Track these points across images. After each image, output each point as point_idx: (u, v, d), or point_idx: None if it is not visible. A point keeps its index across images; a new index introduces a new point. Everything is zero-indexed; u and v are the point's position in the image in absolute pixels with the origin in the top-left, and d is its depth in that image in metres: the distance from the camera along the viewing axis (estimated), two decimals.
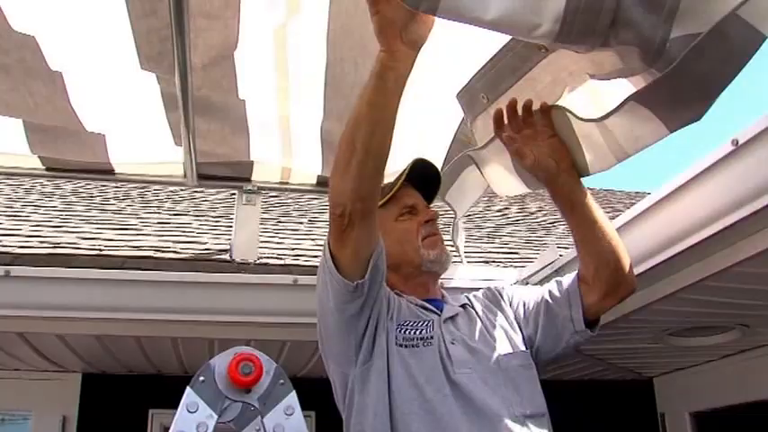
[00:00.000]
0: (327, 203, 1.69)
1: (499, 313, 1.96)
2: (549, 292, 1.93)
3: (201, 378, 1.60)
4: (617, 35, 1.40)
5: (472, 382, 1.74)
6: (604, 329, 2.82)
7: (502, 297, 2.00)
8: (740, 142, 1.77)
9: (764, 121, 1.70)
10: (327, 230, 1.71)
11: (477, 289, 2.07)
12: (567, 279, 1.92)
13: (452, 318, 1.89)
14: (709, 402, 3.71)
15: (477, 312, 1.95)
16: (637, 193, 7.83)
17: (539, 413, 1.77)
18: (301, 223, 4.62)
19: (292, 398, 1.63)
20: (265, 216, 4.62)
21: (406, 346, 1.78)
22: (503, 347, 1.85)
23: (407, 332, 1.81)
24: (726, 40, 1.35)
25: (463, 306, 1.95)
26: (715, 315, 2.76)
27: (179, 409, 1.57)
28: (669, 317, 2.73)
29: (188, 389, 1.59)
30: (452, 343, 1.81)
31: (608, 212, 2.08)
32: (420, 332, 1.82)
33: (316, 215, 4.98)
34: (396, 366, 1.73)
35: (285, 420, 1.59)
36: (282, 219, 4.73)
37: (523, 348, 1.88)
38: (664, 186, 2.06)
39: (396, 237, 1.92)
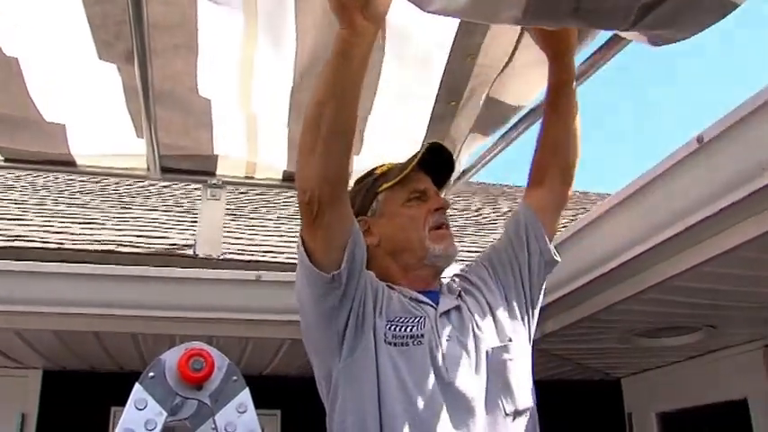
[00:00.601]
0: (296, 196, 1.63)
1: (489, 295, 1.86)
2: (514, 239, 1.89)
3: (151, 374, 1.56)
4: (581, 17, 1.37)
5: (464, 384, 1.68)
6: (571, 329, 2.83)
7: (489, 273, 1.91)
8: (705, 140, 1.76)
9: (729, 119, 1.69)
10: (299, 223, 1.64)
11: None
12: (522, 216, 1.89)
13: (448, 312, 1.80)
14: (675, 403, 3.72)
15: (468, 301, 1.84)
16: (609, 195, 7.82)
17: (528, 407, 1.73)
18: (270, 219, 4.56)
19: (245, 395, 1.58)
20: (235, 211, 4.57)
21: (395, 344, 1.69)
22: (495, 340, 1.77)
23: (397, 329, 1.72)
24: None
25: (459, 296, 1.85)
26: (681, 315, 2.75)
27: (127, 405, 1.52)
28: (635, 317, 2.72)
29: (137, 385, 1.54)
30: (448, 340, 1.73)
31: (581, 213, 2.09)
32: (410, 329, 1.73)
33: (284, 211, 4.93)
34: (385, 365, 1.65)
35: (237, 418, 1.54)
36: (251, 214, 4.68)
37: (521, 329, 1.82)
38: (628, 185, 2.05)
39: (401, 223, 1.82)
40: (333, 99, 1.50)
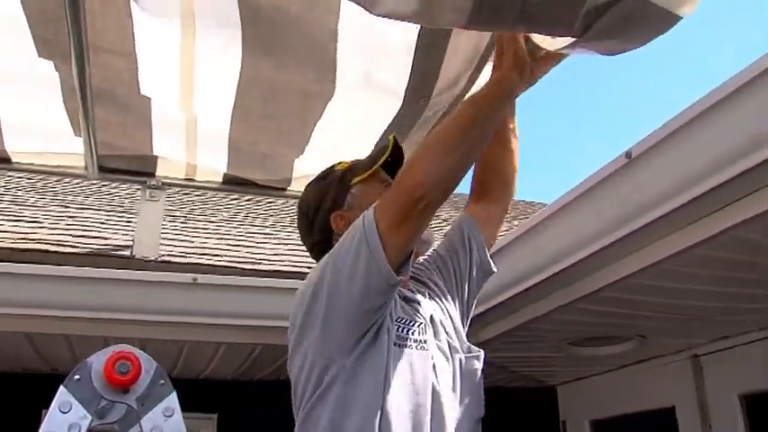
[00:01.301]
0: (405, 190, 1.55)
1: (445, 302, 1.90)
2: (459, 248, 1.92)
3: (77, 377, 1.54)
4: (528, 15, 1.39)
5: (448, 389, 1.71)
6: (507, 338, 2.87)
7: (441, 278, 1.94)
8: (633, 155, 1.81)
9: (657, 135, 1.75)
10: (380, 209, 1.57)
11: None
12: (465, 226, 1.93)
13: (432, 317, 1.82)
14: (607, 411, 3.78)
15: (433, 306, 1.86)
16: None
17: (483, 414, 1.79)
18: (211, 222, 4.53)
19: (172, 399, 1.57)
20: (175, 213, 4.52)
21: (400, 346, 1.69)
22: (459, 347, 1.82)
23: (402, 331, 1.72)
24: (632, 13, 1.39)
25: (429, 297, 1.87)
26: (612, 326, 2.81)
27: (51, 408, 1.50)
28: (568, 326, 2.77)
29: (61, 387, 1.53)
30: (438, 348, 1.76)
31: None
32: (414, 333, 1.75)
33: (225, 214, 4.90)
34: (392, 366, 1.63)
35: (164, 422, 1.53)
36: (191, 216, 4.64)
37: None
38: (561, 197, 2.09)
39: None
40: (486, 125, 1.60)
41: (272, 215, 5.10)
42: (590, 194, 1.98)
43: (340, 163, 1.98)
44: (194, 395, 3.67)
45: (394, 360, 1.66)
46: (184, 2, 2.00)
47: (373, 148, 2.60)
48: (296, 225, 2.01)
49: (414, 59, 2.14)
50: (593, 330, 2.91)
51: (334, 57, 2.16)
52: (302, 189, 3.11)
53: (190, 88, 2.40)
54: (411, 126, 2.48)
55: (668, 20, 1.42)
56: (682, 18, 1.41)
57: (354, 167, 1.93)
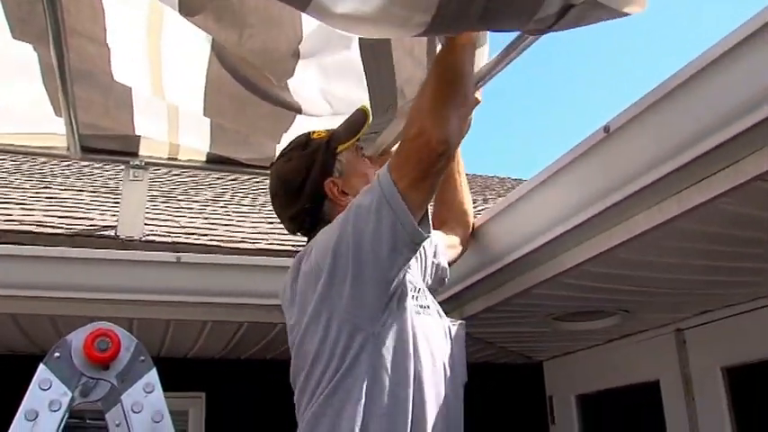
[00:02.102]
0: (414, 138, 1.61)
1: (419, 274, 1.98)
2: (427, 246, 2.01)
3: (57, 354, 1.54)
4: (487, 19, 1.39)
5: (444, 352, 1.80)
6: (491, 313, 2.88)
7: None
8: (611, 129, 1.81)
9: (634, 109, 1.75)
10: (395, 170, 1.61)
11: None
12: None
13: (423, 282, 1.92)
14: (593, 385, 3.81)
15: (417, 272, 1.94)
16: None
17: (466, 380, 1.88)
18: (195, 201, 4.52)
19: (152, 375, 1.58)
20: (160, 192, 4.51)
21: (418, 313, 1.76)
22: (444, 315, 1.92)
23: (415, 298, 1.79)
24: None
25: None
26: (597, 300, 2.82)
27: (31, 385, 1.51)
28: (552, 301, 2.78)
29: (41, 365, 1.53)
30: (436, 313, 1.88)
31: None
32: (421, 299, 1.82)
33: (209, 193, 4.89)
34: (417, 334, 1.70)
35: (144, 398, 1.54)
36: (176, 196, 4.63)
37: None
38: (542, 171, 2.09)
39: (369, 179, 1.84)
40: (471, 69, 1.70)
41: (255, 193, 5.10)
42: (570, 168, 1.99)
43: (314, 132, 2.01)
44: (182, 374, 3.72)
45: (417, 327, 1.71)
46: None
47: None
48: (270, 195, 2.03)
49: (366, 75, 2.15)
50: (578, 305, 2.92)
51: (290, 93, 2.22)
52: None
53: (159, 76, 2.39)
54: (384, 126, 2.50)
55: (618, 16, 1.44)
56: (630, 15, 1.44)
57: (334, 136, 1.96)
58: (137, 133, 2.86)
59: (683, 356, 3.19)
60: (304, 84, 2.14)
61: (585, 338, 3.55)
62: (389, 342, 1.65)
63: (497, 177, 8.23)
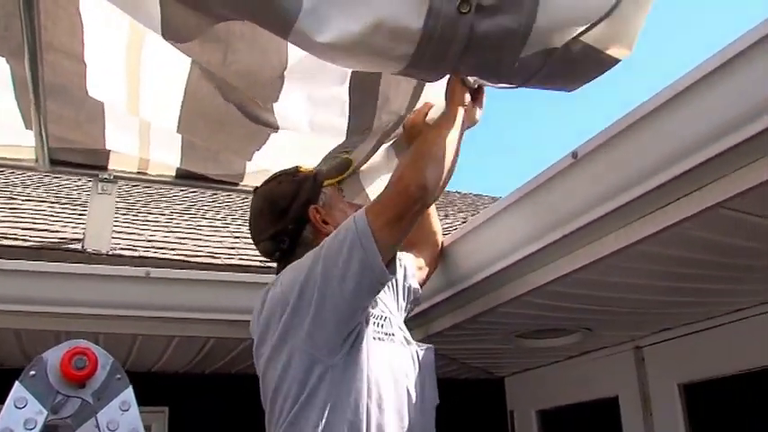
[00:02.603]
0: (402, 185, 1.73)
1: (391, 295, 2.10)
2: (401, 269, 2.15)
3: (32, 372, 1.54)
4: (467, 63, 1.43)
5: (410, 376, 1.85)
6: (456, 330, 2.93)
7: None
8: (579, 155, 1.87)
9: (601, 136, 1.81)
10: (371, 211, 1.70)
11: None
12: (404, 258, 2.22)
13: (390, 310, 1.99)
14: (553, 401, 3.87)
15: (388, 300, 2.05)
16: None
17: (438, 402, 1.96)
18: (162, 215, 4.50)
19: (128, 393, 1.58)
20: (126, 206, 4.48)
21: (379, 340, 1.82)
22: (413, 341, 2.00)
23: (377, 325, 1.85)
24: (571, 62, 1.44)
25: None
26: (559, 319, 2.89)
27: (6, 403, 1.50)
28: (516, 319, 2.83)
29: (17, 383, 1.53)
30: (401, 340, 1.93)
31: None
32: (384, 327, 1.88)
33: (176, 207, 4.87)
34: (375, 361, 1.75)
35: (120, 416, 1.55)
36: (142, 209, 4.60)
37: None
38: (511, 194, 2.15)
39: (349, 214, 1.90)
40: (459, 140, 1.85)
41: (224, 209, 5.09)
42: (537, 192, 2.04)
43: (301, 166, 2.16)
44: (145, 388, 3.63)
45: (376, 355, 1.77)
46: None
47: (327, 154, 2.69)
48: (253, 214, 2.11)
49: (350, 103, 2.20)
50: (541, 323, 2.98)
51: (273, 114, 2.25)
52: (255, 184, 3.16)
53: (136, 97, 2.41)
54: (356, 146, 2.54)
55: (606, 62, 1.49)
56: (620, 60, 1.49)
57: (321, 172, 2.14)
58: (107, 147, 2.85)
59: (641, 373, 3.26)
60: (287, 107, 2.17)
61: (547, 355, 3.61)
62: (348, 372, 1.70)
63: (458, 193, 8.32)
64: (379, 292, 1.76)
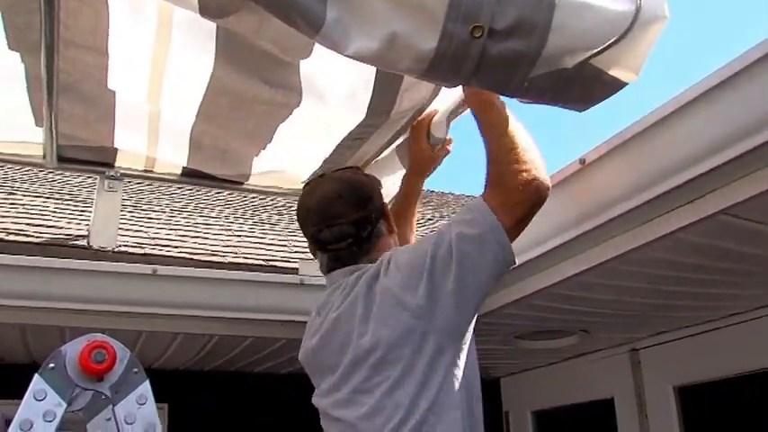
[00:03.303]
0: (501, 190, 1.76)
1: None
2: None
3: (51, 365, 1.57)
4: (479, 79, 1.46)
5: None
6: None
7: None
8: (587, 161, 1.92)
9: (608, 144, 1.86)
10: (501, 209, 1.74)
11: None
12: None
13: None
14: (549, 402, 3.92)
15: None
16: None
17: None
18: (164, 212, 4.53)
19: (145, 387, 1.62)
20: (132, 203, 4.50)
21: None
22: None
23: None
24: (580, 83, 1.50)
25: None
26: (559, 321, 2.93)
27: (26, 396, 1.53)
28: (517, 321, 2.88)
29: (36, 375, 1.55)
30: None
31: None
32: None
33: (178, 204, 4.90)
34: (471, 353, 1.84)
35: (137, 410, 1.58)
36: (145, 207, 4.62)
37: None
38: None
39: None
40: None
41: (227, 207, 5.12)
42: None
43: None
44: None
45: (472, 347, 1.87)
46: (161, 10, 2.04)
47: (333, 149, 2.73)
48: (328, 196, 2.06)
49: (375, 78, 2.21)
50: (541, 325, 3.03)
51: (299, 76, 2.24)
52: (259, 184, 3.18)
53: (158, 87, 2.43)
54: (372, 133, 2.57)
55: (613, 85, 1.53)
56: (627, 84, 1.54)
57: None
58: (115, 145, 2.87)
59: (637, 375, 3.32)
60: (316, 66, 2.17)
61: (544, 356, 3.65)
62: (471, 358, 1.83)
63: (452, 194, 8.36)
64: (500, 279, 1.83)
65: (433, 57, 1.38)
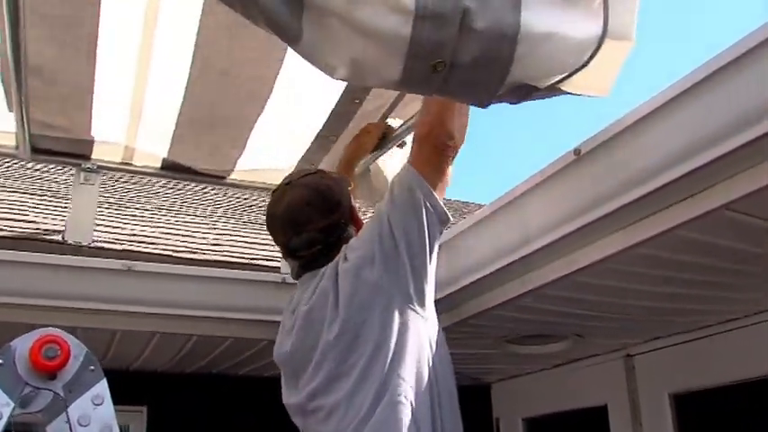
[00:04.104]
0: (433, 135, 1.87)
1: None
2: None
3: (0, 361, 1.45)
4: (450, 90, 1.45)
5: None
6: (446, 333, 2.85)
7: None
8: (582, 152, 1.81)
9: (605, 133, 1.75)
10: (416, 167, 1.88)
11: None
12: None
13: None
14: (540, 408, 3.82)
15: None
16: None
17: None
18: (147, 210, 4.42)
19: (102, 386, 1.50)
20: (109, 198, 4.40)
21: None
22: None
23: None
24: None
25: None
26: (552, 324, 2.83)
27: None
28: (508, 323, 2.77)
29: None
30: None
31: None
32: None
33: (159, 201, 4.79)
34: (434, 329, 1.94)
35: (93, 410, 1.46)
36: (125, 202, 4.51)
37: None
38: (505, 194, 2.09)
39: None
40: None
41: (210, 205, 5.02)
42: (536, 191, 1.98)
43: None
44: (123, 387, 3.54)
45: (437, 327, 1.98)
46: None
47: (313, 140, 2.70)
48: (296, 203, 2.09)
49: None
50: (533, 328, 2.93)
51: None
52: (242, 179, 3.12)
53: (145, 70, 2.38)
54: (348, 121, 2.63)
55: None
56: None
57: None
58: (93, 134, 2.77)
59: (631, 382, 3.21)
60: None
61: (536, 362, 3.56)
62: (434, 328, 1.92)
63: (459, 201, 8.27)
64: (442, 233, 1.92)
65: (398, 83, 1.40)
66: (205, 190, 5.19)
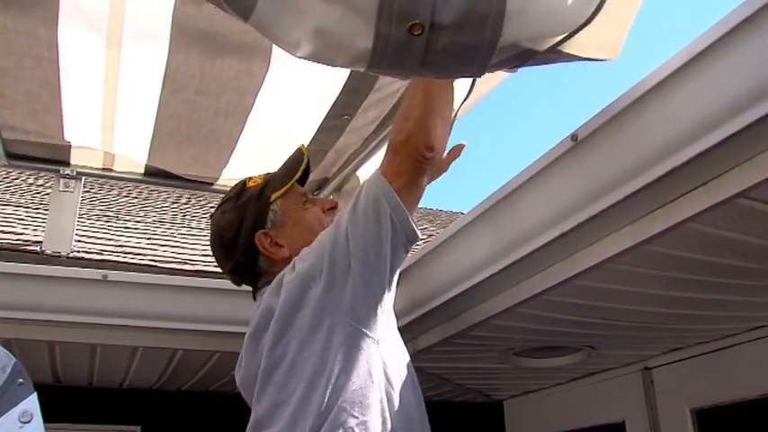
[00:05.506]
0: (404, 145, 1.72)
1: None
2: None
3: None
4: (430, 70, 1.35)
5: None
6: (446, 346, 2.69)
7: None
8: (579, 138, 1.63)
9: (602, 116, 1.57)
10: (388, 173, 1.72)
11: None
12: None
13: None
14: (554, 426, 3.65)
15: None
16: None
17: None
18: (128, 220, 4.29)
19: (31, 402, 1.33)
20: (89, 207, 4.28)
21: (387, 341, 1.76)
22: None
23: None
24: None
25: None
26: (559, 334, 2.65)
27: None
28: (512, 333, 2.59)
29: None
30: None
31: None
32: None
33: (144, 211, 4.66)
34: (388, 353, 1.73)
35: (19, 429, 1.29)
36: (106, 211, 4.39)
37: None
38: (497, 191, 1.91)
39: (308, 226, 1.91)
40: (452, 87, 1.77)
41: (195, 214, 4.89)
42: (531, 183, 1.80)
43: (251, 179, 2.02)
44: (116, 406, 3.45)
45: (395, 341, 1.80)
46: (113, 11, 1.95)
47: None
48: (210, 246, 2.04)
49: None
50: (540, 339, 2.75)
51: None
52: (231, 184, 2.99)
53: (114, 74, 2.25)
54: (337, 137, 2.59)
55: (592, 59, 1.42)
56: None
57: (269, 183, 1.97)
58: (66, 139, 2.64)
59: (650, 397, 3.04)
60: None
61: (548, 376, 3.38)
62: (390, 351, 1.72)
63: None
64: (408, 252, 1.76)
65: (370, 56, 1.26)
66: (195, 196, 5.07)
